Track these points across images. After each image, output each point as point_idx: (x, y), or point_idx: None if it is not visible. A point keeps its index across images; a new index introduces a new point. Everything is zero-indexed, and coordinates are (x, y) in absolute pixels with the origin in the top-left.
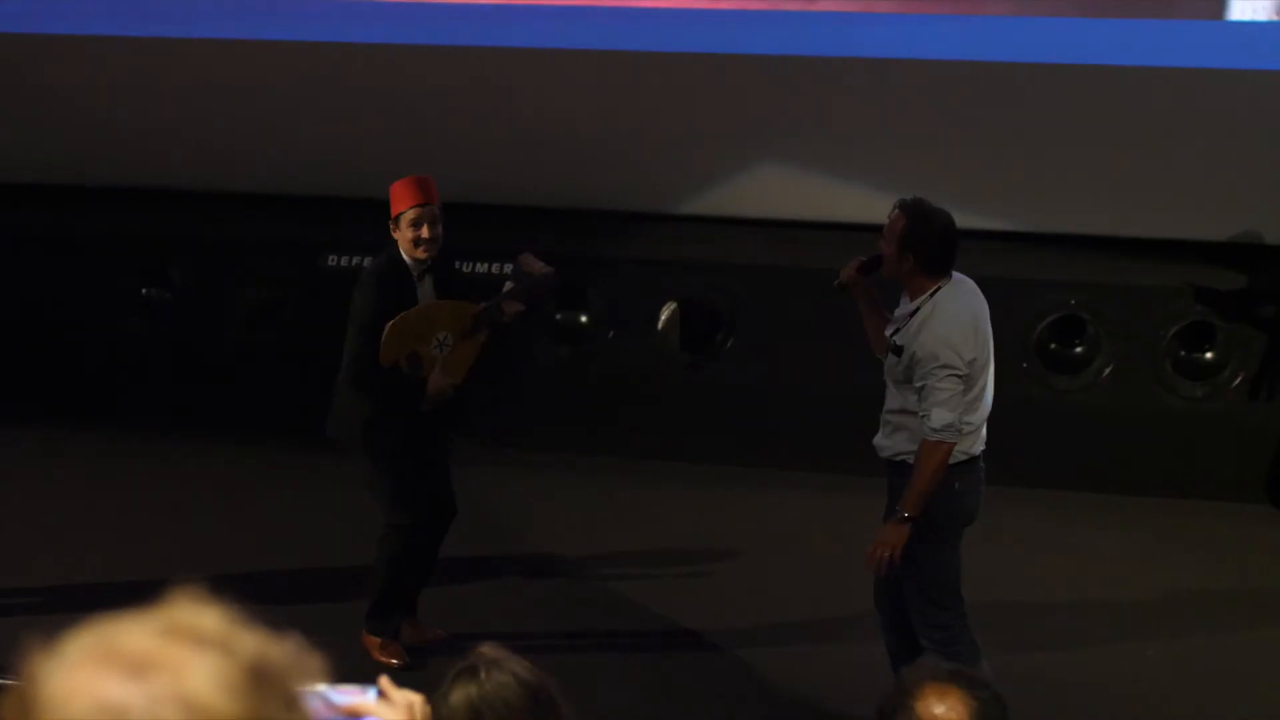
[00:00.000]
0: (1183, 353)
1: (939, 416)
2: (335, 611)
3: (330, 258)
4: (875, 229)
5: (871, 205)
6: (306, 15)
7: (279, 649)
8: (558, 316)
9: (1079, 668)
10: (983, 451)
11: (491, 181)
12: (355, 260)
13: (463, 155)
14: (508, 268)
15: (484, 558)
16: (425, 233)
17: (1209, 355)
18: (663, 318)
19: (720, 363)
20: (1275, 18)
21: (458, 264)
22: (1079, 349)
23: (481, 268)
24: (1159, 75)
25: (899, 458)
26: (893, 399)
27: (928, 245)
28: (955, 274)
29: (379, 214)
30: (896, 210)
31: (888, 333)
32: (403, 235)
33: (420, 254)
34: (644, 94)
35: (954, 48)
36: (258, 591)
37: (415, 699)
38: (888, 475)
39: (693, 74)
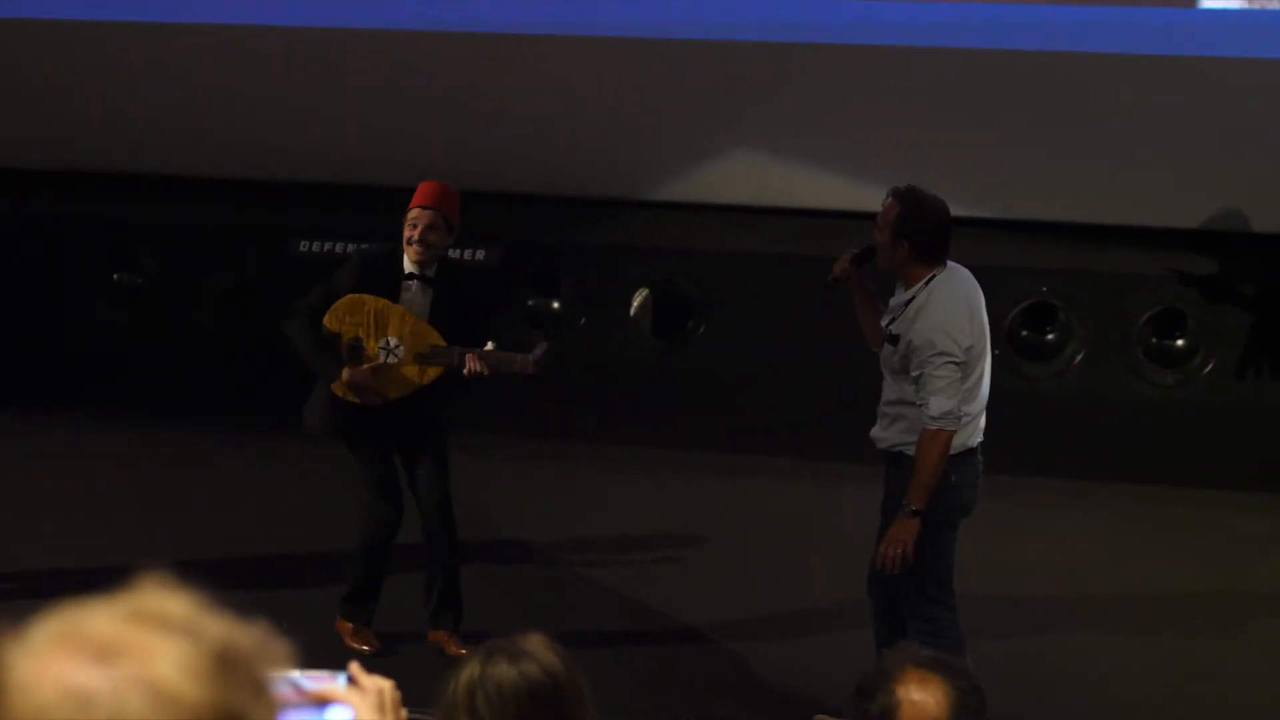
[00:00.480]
0: (1154, 339)
1: (937, 404)
2: (312, 597)
3: (302, 243)
4: (846, 215)
5: (843, 192)
6: (277, 0)
7: (246, 635)
8: (529, 302)
9: (1051, 655)
10: (981, 443)
11: (463, 167)
12: (327, 246)
13: (434, 141)
14: (480, 253)
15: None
16: (416, 233)
17: (1180, 342)
18: (634, 304)
19: (692, 349)
20: (1246, 5)
21: (452, 252)
22: (1050, 336)
23: (453, 253)
24: (1131, 63)
25: (896, 449)
26: (889, 390)
27: (923, 233)
28: (950, 262)
29: (351, 199)
30: (890, 198)
31: (883, 322)
32: (405, 228)
33: (412, 253)
34: (616, 80)
35: (926, 35)
36: (232, 578)
37: (385, 685)
38: (885, 466)
39: (666, 60)
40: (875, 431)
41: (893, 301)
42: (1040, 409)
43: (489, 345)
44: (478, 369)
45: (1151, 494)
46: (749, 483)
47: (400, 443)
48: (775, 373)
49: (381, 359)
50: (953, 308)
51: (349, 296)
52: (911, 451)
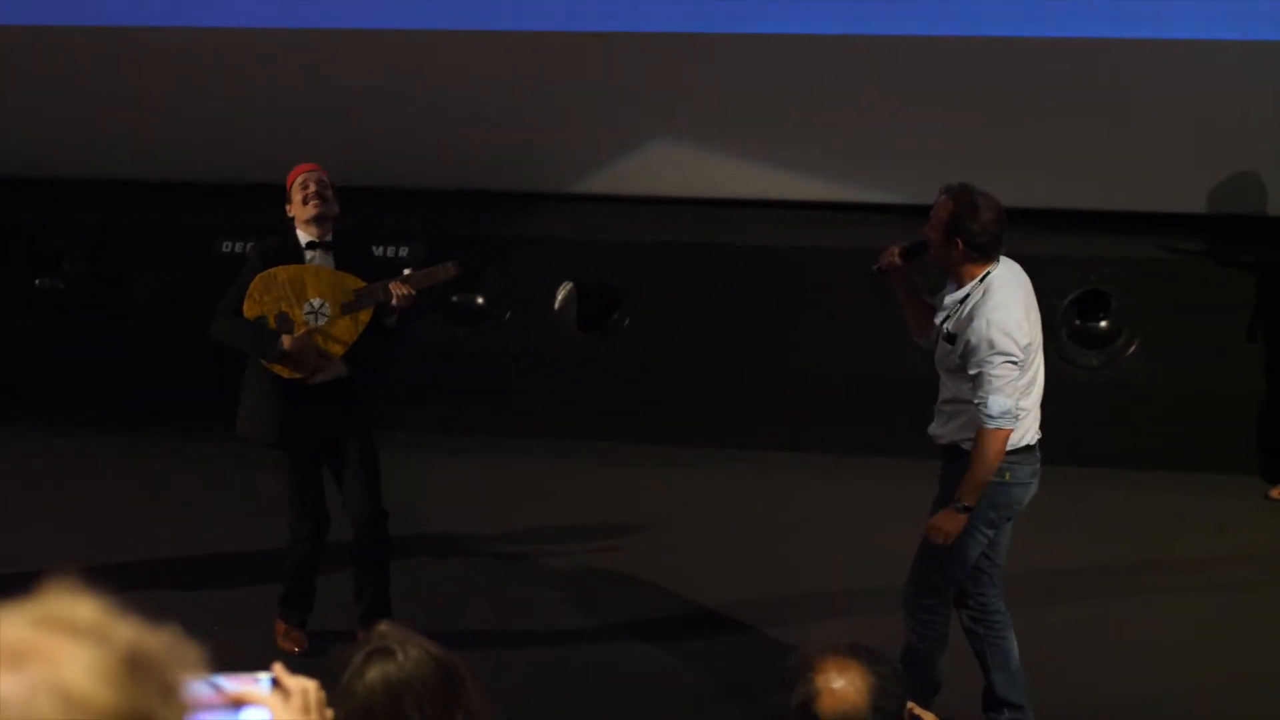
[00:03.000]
0: (1077, 321)
1: (996, 404)
2: (244, 598)
3: (225, 244)
4: (767, 205)
5: (763, 181)
6: (192, 1)
7: (156, 638)
8: (454, 297)
9: None
10: (1039, 440)
11: (386, 164)
12: (250, 246)
13: (355, 139)
14: (403, 251)
15: None
16: (311, 190)
17: (1104, 324)
18: (559, 297)
19: (617, 340)
20: None
21: (375, 249)
22: None
23: (378, 250)
24: (1050, 46)
25: (954, 443)
26: (945, 389)
27: (977, 231)
28: (1002, 257)
29: (274, 199)
30: (944, 196)
31: (938, 320)
32: (294, 203)
33: (311, 210)
34: (538, 73)
35: (844, 23)
36: (160, 579)
37: (310, 685)
38: (941, 460)
39: (586, 53)
40: (933, 428)
41: (947, 299)
42: None
43: (406, 271)
44: (405, 292)
45: (1075, 474)
46: (677, 473)
47: (330, 452)
48: (701, 362)
49: (312, 323)
50: (1010, 305)
51: (259, 276)
52: (968, 446)
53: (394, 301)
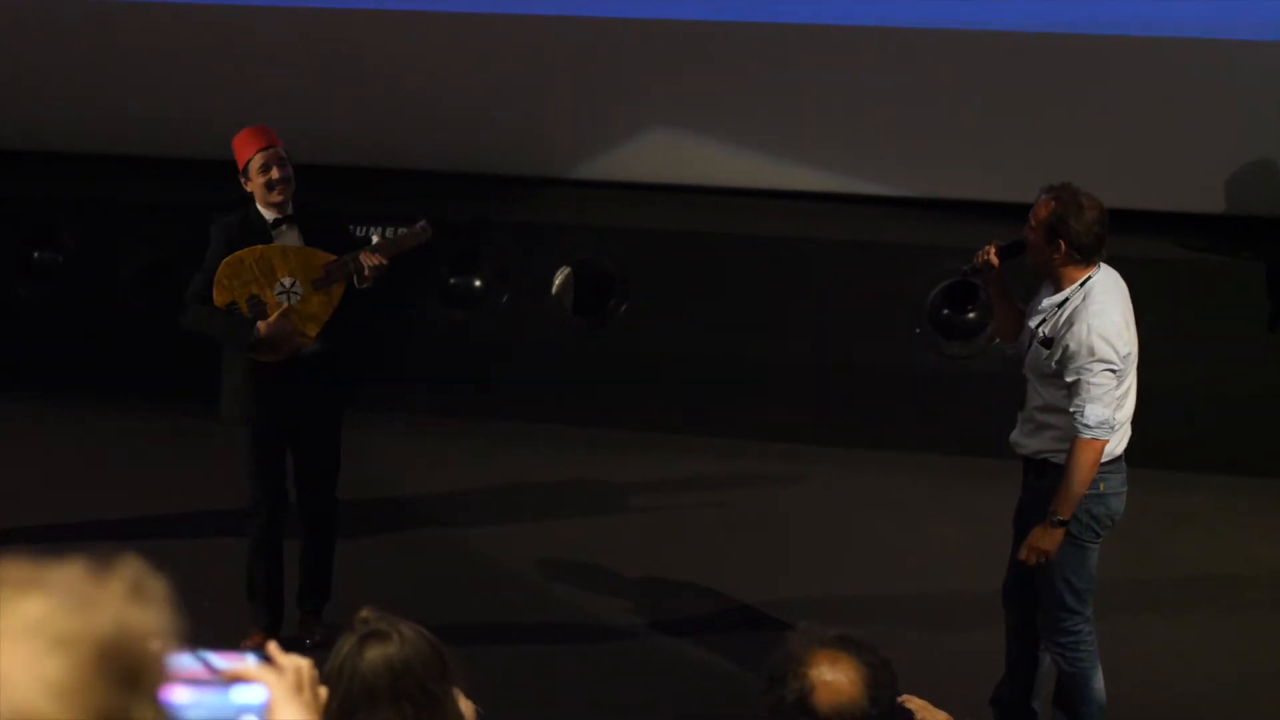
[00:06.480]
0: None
1: (1094, 413)
2: (231, 578)
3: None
4: (764, 194)
5: (761, 170)
6: None
7: (127, 617)
8: (451, 280)
9: (965, 637)
10: (1125, 450)
11: (384, 146)
12: (211, 226)
13: (355, 119)
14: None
15: (375, 523)
16: (275, 174)
17: None
18: (556, 282)
19: (613, 327)
20: None
21: (352, 228)
22: (972, 315)
23: (375, 233)
24: (1053, 41)
25: (1041, 456)
26: (1036, 395)
27: (1080, 231)
28: (1102, 264)
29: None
30: (1046, 195)
31: (1033, 324)
32: (254, 184)
33: (275, 197)
34: (537, 58)
35: (843, 12)
36: (151, 558)
37: (303, 663)
38: (1025, 474)
39: (586, 38)
40: (1016, 437)
41: (1044, 302)
42: (961, 387)
43: (375, 238)
44: (375, 262)
45: None
46: (672, 460)
47: (298, 431)
48: (697, 351)
49: (285, 304)
50: (1110, 312)
51: (225, 262)
52: (1059, 460)
53: (365, 273)
